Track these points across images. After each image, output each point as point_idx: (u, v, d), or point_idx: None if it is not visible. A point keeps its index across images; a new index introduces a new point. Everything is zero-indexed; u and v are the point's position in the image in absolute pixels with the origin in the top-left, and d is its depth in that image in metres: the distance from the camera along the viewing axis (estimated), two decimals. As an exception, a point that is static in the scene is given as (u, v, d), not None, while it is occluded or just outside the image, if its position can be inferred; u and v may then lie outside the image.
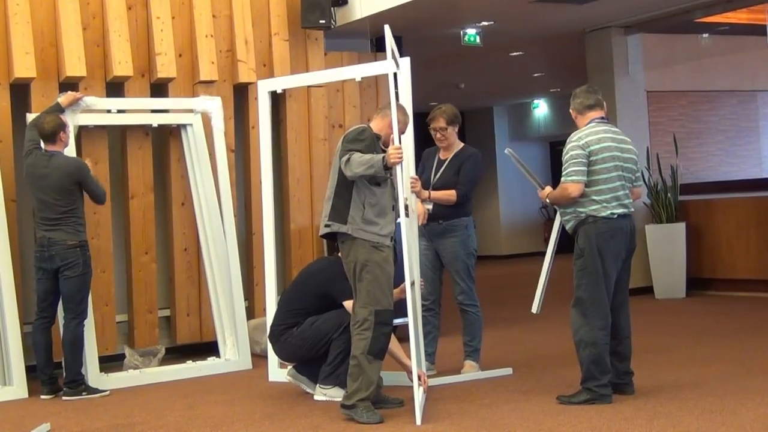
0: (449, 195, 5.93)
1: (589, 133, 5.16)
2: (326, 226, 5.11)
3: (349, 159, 4.98)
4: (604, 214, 5.08)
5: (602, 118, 5.28)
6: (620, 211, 5.12)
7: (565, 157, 5.15)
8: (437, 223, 6.00)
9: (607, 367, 5.06)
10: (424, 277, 5.96)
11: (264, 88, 6.52)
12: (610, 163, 5.13)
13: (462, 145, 6.13)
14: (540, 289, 5.58)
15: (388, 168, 4.99)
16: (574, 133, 5.23)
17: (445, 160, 6.05)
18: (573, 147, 5.13)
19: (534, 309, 5.60)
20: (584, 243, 5.10)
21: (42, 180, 6.10)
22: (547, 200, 5.34)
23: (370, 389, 4.93)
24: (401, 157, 5.12)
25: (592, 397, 5.03)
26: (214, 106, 7.19)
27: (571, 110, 5.34)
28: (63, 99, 6.49)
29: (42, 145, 6.19)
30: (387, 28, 5.29)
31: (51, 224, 6.07)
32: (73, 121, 6.57)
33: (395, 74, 5.47)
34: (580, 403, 5.01)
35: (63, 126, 6.19)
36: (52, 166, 6.08)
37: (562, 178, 5.13)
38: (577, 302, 5.14)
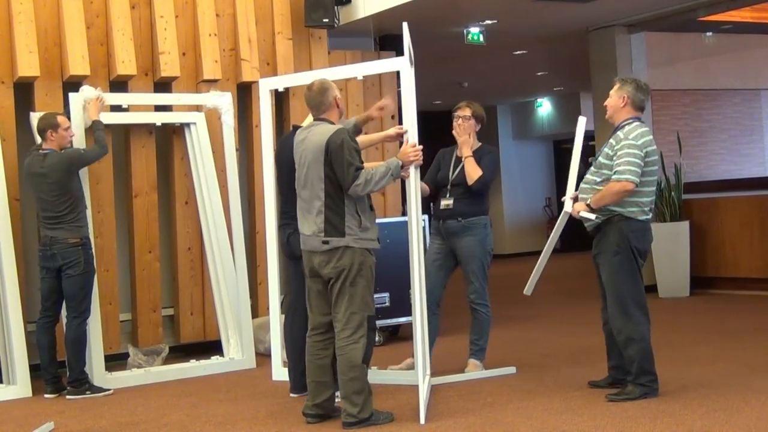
0: (478, 170, 5.93)
1: (644, 134, 5.08)
2: (324, 242, 4.78)
3: (362, 179, 4.73)
4: (641, 217, 5.09)
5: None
6: (651, 215, 5.19)
7: (619, 153, 5.02)
8: (456, 221, 5.99)
9: (653, 358, 5.10)
10: (427, 276, 5.96)
11: (265, 87, 6.51)
12: (655, 167, 5.14)
13: (480, 144, 6.17)
14: (536, 272, 5.57)
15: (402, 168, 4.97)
16: (626, 129, 5.12)
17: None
18: (630, 146, 5.01)
19: (527, 290, 5.61)
20: (619, 240, 5.08)
21: (40, 179, 6.12)
22: (583, 212, 5.12)
23: (372, 394, 4.89)
24: (419, 156, 5.10)
25: (646, 392, 5.05)
26: (224, 101, 7.17)
27: (624, 95, 5.18)
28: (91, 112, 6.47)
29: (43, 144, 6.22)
30: (405, 26, 5.30)
31: (53, 223, 6.09)
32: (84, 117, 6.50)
33: (403, 72, 5.47)
34: (634, 399, 5.00)
35: (53, 125, 6.15)
36: (48, 166, 6.09)
37: (616, 176, 4.98)
38: (617, 301, 5.11)
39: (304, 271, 5.05)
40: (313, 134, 4.92)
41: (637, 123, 5.17)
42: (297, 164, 5.01)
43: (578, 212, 5.14)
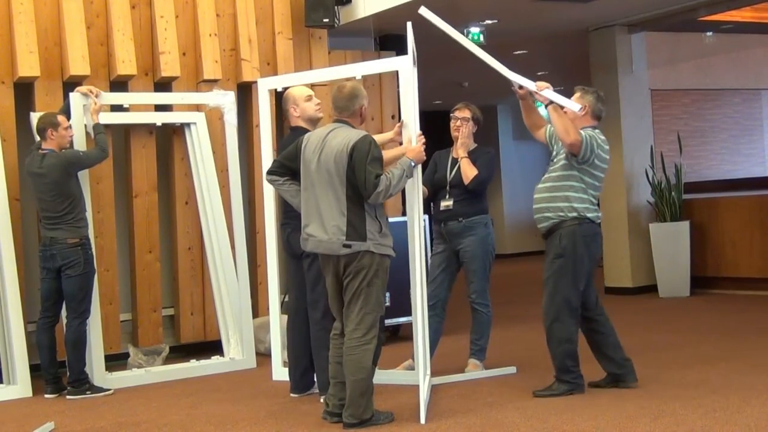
0: (473, 169, 5.97)
1: (606, 141, 5.27)
2: (346, 245, 4.75)
3: (382, 186, 4.71)
4: (590, 215, 5.19)
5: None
6: (599, 216, 5.27)
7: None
8: (457, 221, 6.00)
9: (578, 358, 5.25)
10: (433, 281, 5.96)
11: (264, 87, 6.51)
12: (604, 174, 5.26)
13: (476, 145, 6.18)
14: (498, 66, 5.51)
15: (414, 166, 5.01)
16: (595, 131, 5.25)
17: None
18: (603, 141, 5.21)
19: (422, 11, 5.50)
20: (568, 243, 5.16)
21: (39, 179, 6.12)
22: (542, 101, 5.33)
23: (373, 394, 4.88)
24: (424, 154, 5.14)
25: (571, 388, 5.22)
26: (227, 101, 7.15)
27: (586, 104, 5.33)
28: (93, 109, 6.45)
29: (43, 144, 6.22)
30: (409, 25, 5.31)
31: (52, 223, 6.09)
32: (86, 119, 6.49)
33: (405, 72, 5.47)
34: (560, 395, 5.17)
35: (53, 124, 6.15)
36: (46, 167, 6.09)
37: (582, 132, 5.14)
38: (553, 301, 5.22)
39: (325, 277, 5.00)
40: (337, 136, 4.90)
41: (599, 131, 5.30)
42: (309, 161, 4.91)
43: (543, 89, 5.31)
